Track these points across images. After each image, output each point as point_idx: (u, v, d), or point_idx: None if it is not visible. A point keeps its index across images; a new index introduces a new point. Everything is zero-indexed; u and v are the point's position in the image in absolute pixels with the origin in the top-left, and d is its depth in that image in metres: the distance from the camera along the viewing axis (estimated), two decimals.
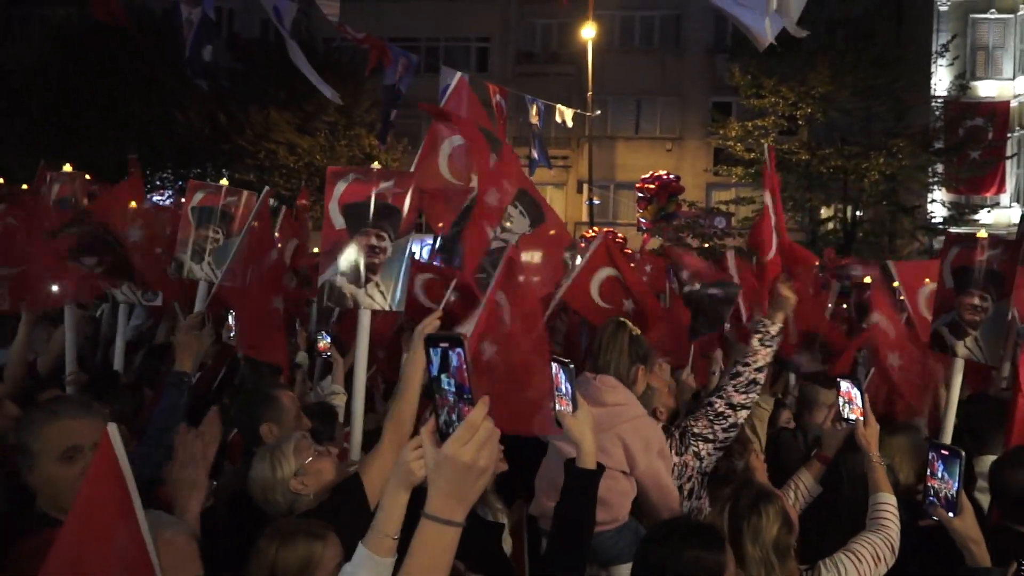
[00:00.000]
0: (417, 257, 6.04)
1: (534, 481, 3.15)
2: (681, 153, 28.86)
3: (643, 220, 23.52)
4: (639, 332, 3.20)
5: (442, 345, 1.35)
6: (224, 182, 4.55)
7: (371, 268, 3.15)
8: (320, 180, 12.51)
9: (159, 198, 21.09)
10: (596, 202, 25.46)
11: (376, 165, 3.36)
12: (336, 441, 3.42)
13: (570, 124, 15.67)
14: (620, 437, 2.94)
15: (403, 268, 3.19)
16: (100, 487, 1.50)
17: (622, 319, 3.24)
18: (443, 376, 1.36)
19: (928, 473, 2.40)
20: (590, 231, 22.82)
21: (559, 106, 14.76)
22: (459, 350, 1.34)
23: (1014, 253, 3.76)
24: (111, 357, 4.67)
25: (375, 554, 2.04)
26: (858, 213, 23.26)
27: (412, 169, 3.64)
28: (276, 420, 3.13)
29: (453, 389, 1.35)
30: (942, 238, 19.17)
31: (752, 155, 22.59)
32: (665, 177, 23.31)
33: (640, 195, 23.74)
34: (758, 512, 2.44)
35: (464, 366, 1.34)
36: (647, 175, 23.83)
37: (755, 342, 3.26)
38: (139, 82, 20.37)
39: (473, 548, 2.26)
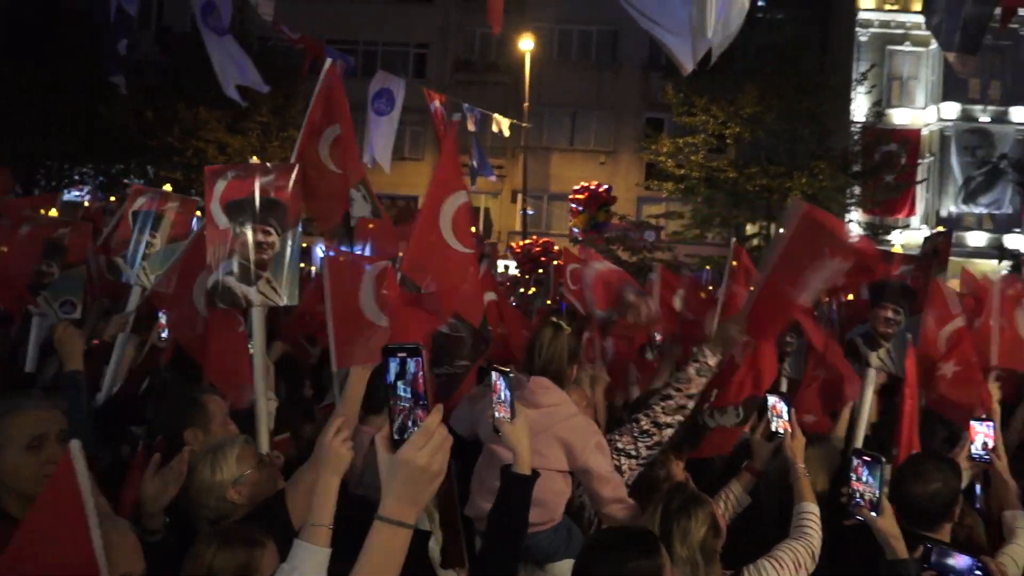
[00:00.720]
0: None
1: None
2: (614, 166, 29.39)
3: (575, 230, 23.83)
4: (569, 330, 3.25)
5: (400, 355, 1.41)
6: (167, 187, 4.45)
7: (260, 264, 3.10)
8: None
9: (77, 194, 20.23)
10: (530, 212, 25.68)
11: (254, 159, 3.34)
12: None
13: (507, 133, 15.78)
14: (558, 437, 2.99)
15: (293, 261, 3.16)
16: (59, 496, 1.63)
17: (558, 321, 3.29)
18: (399, 383, 1.41)
19: (853, 478, 2.53)
20: (523, 240, 23.04)
21: (496, 115, 14.86)
22: (418, 359, 1.40)
23: (926, 270, 3.98)
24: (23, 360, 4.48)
25: (315, 544, 2.05)
26: (781, 230, 24.10)
27: (292, 160, 3.57)
28: (201, 426, 3.04)
29: (410, 395, 1.40)
30: None
31: (682, 171, 23.20)
32: (596, 188, 23.66)
33: (573, 205, 24.06)
34: (688, 514, 2.53)
35: (421, 374, 1.39)
36: (579, 186, 24.17)
37: (691, 370, 3.29)
38: (65, 73, 19.53)
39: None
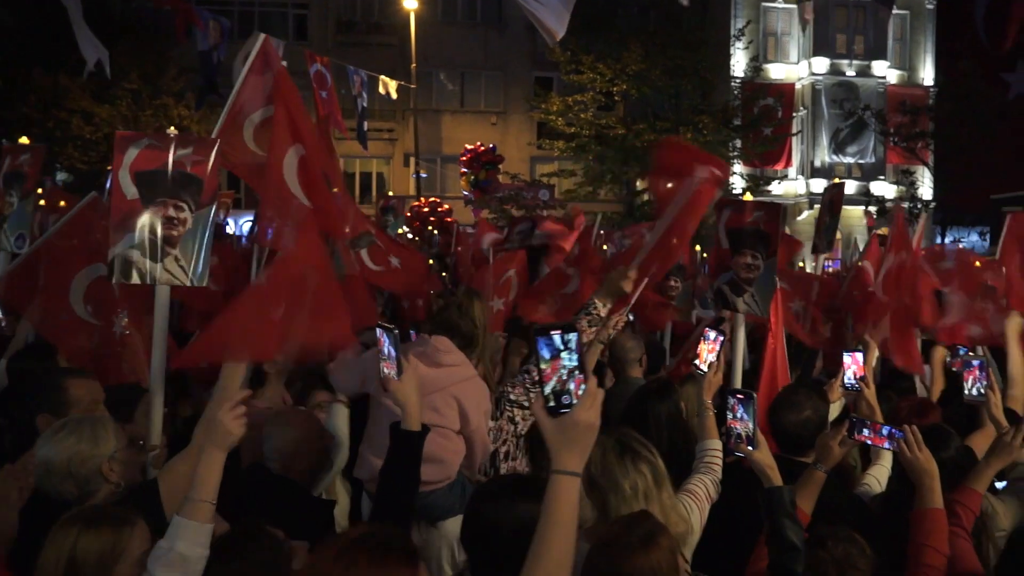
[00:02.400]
0: (238, 233, 5.75)
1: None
2: (506, 127, 29.37)
3: (466, 193, 23.78)
4: (479, 292, 3.32)
5: (557, 332, 1.62)
6: (24, 140, 4.09)
7: (169, 241, 2.95)
8: None
9: None
10: (423, 175, 25.39)
11: (172, 130, 3.16)
12: (135, 424, 3.13)
13: (394, 96, 15.43)
14: (455, 396, 3.03)
15: (205, 240, 3.02)
16: None
17: (478, 290, 3.32)
18: (564, 354, 1.62)
19: (729, 416, 2.67)
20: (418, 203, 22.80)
21: (382, 77, 14.51)
22: (576, 334, 1.63)
23: (775, 215, 4.18)
24: None
25: (194, 520, 2.00)
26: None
27: (214, 135, 3.40)
28: (57, 412, 2.85)
29: (574, 364, 1.61)
30: None
31: (573, 129, 23.45)
32: (478, 148, 23.55)
33: (463, 169, 23.95)
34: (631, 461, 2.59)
35: (581, 346, 1.63)
36: (465, 148, 24.02)
37: (583, 321, 3.41)
38: None
39: (304, 524, 2.27)
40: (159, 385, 2.91)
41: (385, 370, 2.45)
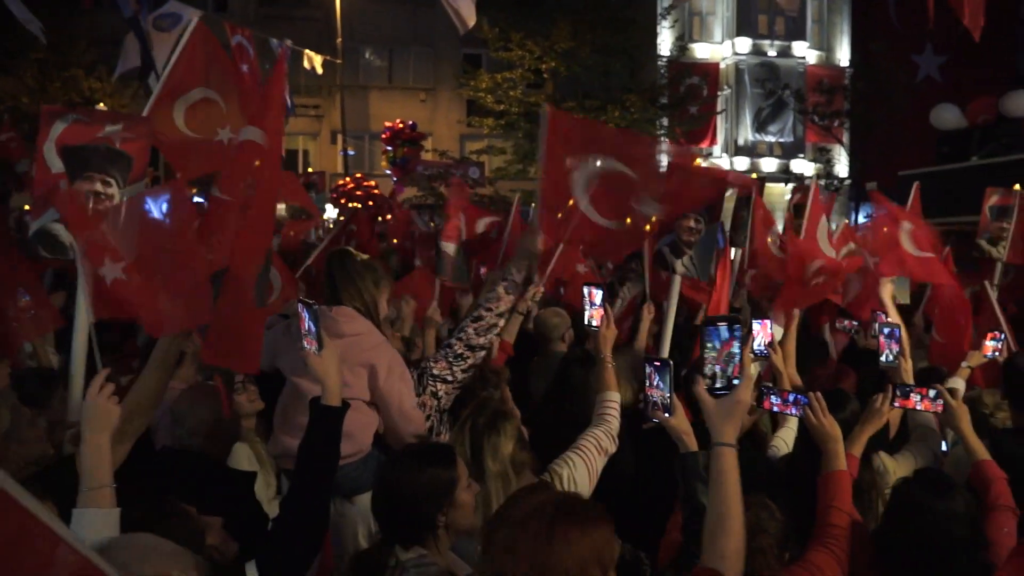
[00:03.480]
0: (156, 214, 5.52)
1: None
2: (435, 103, 29.06)
3: (388, 171, 23.46)
4: (367, 256, 3.20)
5: (722, 324, 1.90)
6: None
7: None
8: (29, 126, 10.94)
9: None
10: (351, 153, 24.96)
11: (101, 106, 3.07)
12: (52, 409, 3.10)
13: (319, 71, 15.04)
14: (362, 365, 2.98)
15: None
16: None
17: (347, 248, 3.24)
18: (736, 343, 1.91)
19: (647, 383, 2.76)
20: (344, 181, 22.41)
21: (307, 52, 14.15)
22: (740, 326, 1.92)
23: (720, 183, 4.48)
24: None
25: (97, 508, 1.96)
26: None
27: (145, 114, 3.32)
28: None
29: (736, 352, 1.89)
30: None
31: (502, 107, 23.37)
32: (397, 125, 23.23)
33: (386, 148, 23.58)
34: (496, 431, 2.64)
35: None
36: (387, 125, 23.61)
37: (500, 289, 3.42)
38: None
39: (221, 497, 2.26)
40: (80, 362, 2.84)
41: (306, 345, 2.44)
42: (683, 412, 2.47)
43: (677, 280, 4.37)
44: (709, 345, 1.90)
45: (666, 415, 2.33)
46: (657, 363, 2.31)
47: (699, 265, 4.34)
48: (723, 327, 1.89)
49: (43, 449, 2.67)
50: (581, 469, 2.78)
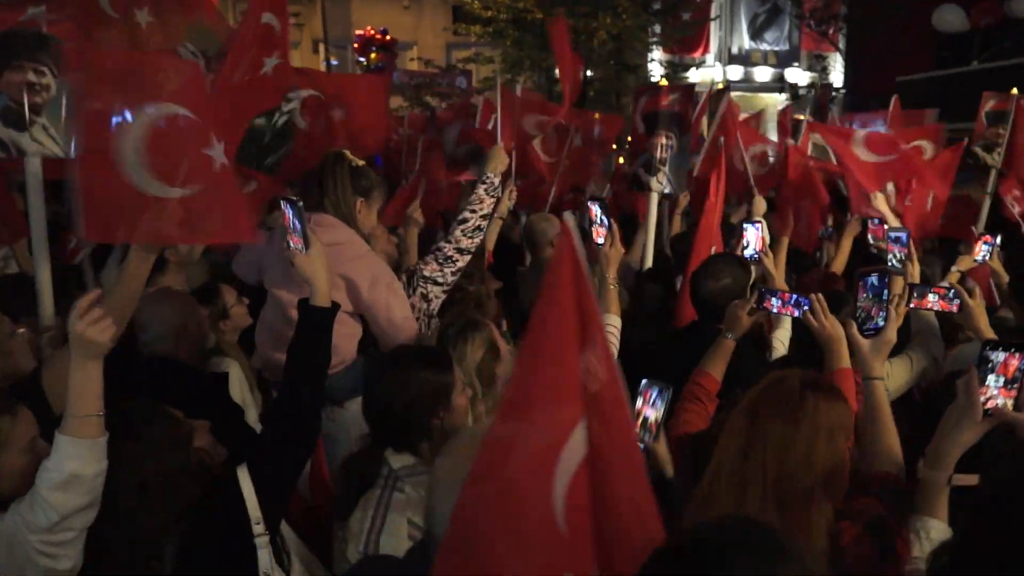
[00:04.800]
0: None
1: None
2: (420, 10, 28.01)
3: None
4: (362, 163, 3.08)
5: (874, 274, 2.22)
6: None
7: (34, 109, 2.72)
8: None
9: None
10: (334, 63, 24.18)
11: None
12: (36, 320, 2.99)
13: None
14: (342, 277, 2.88)
15: (74, 108, 2.73)
16: None
17: (343, 151, 3.11)
18: (885, 291, 2.24)
19: (643, 402, 2.60)
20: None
21: None
22: (889, 275, 2.28)
23: (688, 96, 4.44)
24: None
25: (84, 437, 1.87)
26: (588, 72, 24.47)
27: None
28: None
29: (885, 298, 2.20)
30: None
31: (489, 13, 22.56)
32: (368, 32, 22.31)
33: (360, 59, 22.67)
34: (464, 338, 2.57)
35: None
36: (357, 34, 22.63)
37: (481, 191, 3.42)
38: None
39: (199, 403, 2.19)
40: (44, 264, 2.73)
41: (291, 244, 2.32)
42: (664, 439, 2.33)
43: (654, 197, 4.40)
44: (863, 293, 2.17)
45: (653, 440, 2.21)
46: (659, 386, 2.18)
47: (674, 179, 4.37)
48: (874, 276, 2.19)
49: (27, 362, 2.57)
50: None
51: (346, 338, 2.98)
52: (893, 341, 2.15)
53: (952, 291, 2.94)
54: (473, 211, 3.38)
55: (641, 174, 4.44)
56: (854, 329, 2.16)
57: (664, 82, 4.62)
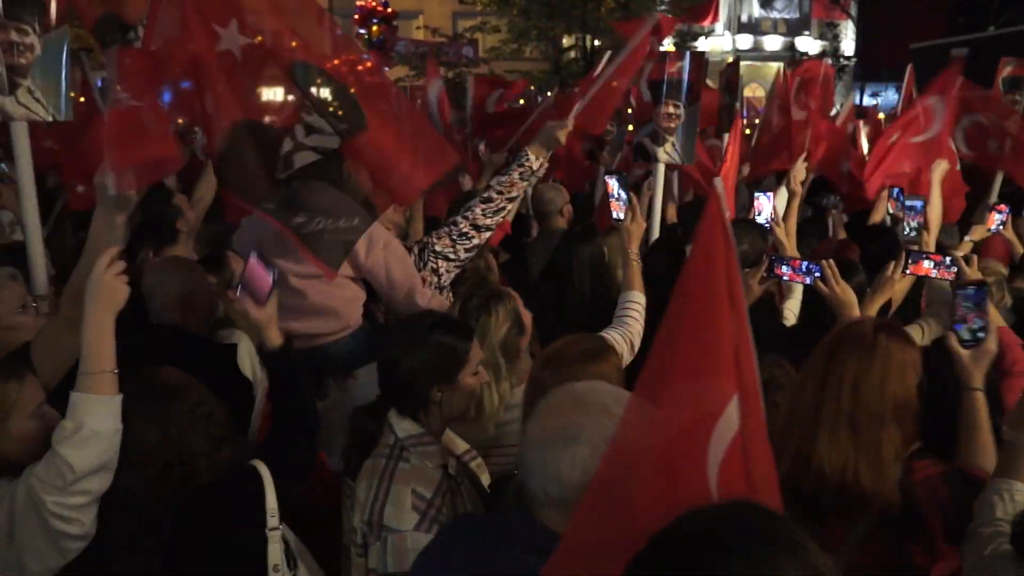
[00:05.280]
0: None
1: None
2: None
3: (364, 56, 21.98)
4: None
5: (973, 287, 2.19)
6: None
7: (17, 70, 2.62)
8: None
9: None
10: (339, 33, 23.86)
11: None
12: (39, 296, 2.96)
13: None
14: None
15: (63, 68, 2.70)
16: None
17: None
18: (985, 303, 2.18)
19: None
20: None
21: None
22: (987, 288, 2.23)
23: (698, 64, 4.28)
24: None
25: (100, 394, 1.87)
26: (596, 42, 24.17)
27: None
28: None
29: (985, 311, 2.16)
30: None
31: None
32: (369, 3, 21.78)
33: (360, 31, 22.16)
34: (488, 311, 2.49)
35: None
36: (358, 4, 22.08)
37: (515, 174, 3.21)
38: None
39: (207, 371, 2.18)
40: (35, 232, 2.70)
41: (249, 292, 2.28)
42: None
43: (661, 168, 4.29)
44: (965, 305, 2.18)
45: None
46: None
47: (682, 150, 4.26)
48: (972, 289, 2.19)
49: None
50: None
51: (350, 303, 2.94)
52: (994, 351, 2.12)
53: (949, 258, 2.89)
54: (500, 192, 3.19)
55: (647, 144, 4.33)
56: (954, 341, 2.13)
57: (671, 48, 4.49)
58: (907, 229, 3.56)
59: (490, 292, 2.58)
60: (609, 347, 2.05)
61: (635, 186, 5.55)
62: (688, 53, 4.34)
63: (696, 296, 1.17)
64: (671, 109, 4.21)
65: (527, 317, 2.62)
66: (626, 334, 2.81)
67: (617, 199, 3.20)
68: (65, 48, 2.71)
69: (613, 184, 3.24)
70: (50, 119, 2.73)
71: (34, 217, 2.70)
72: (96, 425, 1.85)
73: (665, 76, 4.23)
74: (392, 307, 2.97)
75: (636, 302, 2.91)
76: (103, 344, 1.90)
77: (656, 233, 4.35)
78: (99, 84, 4.85)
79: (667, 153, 4.25)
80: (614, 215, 3.22)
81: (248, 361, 2.78)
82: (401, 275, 2.90)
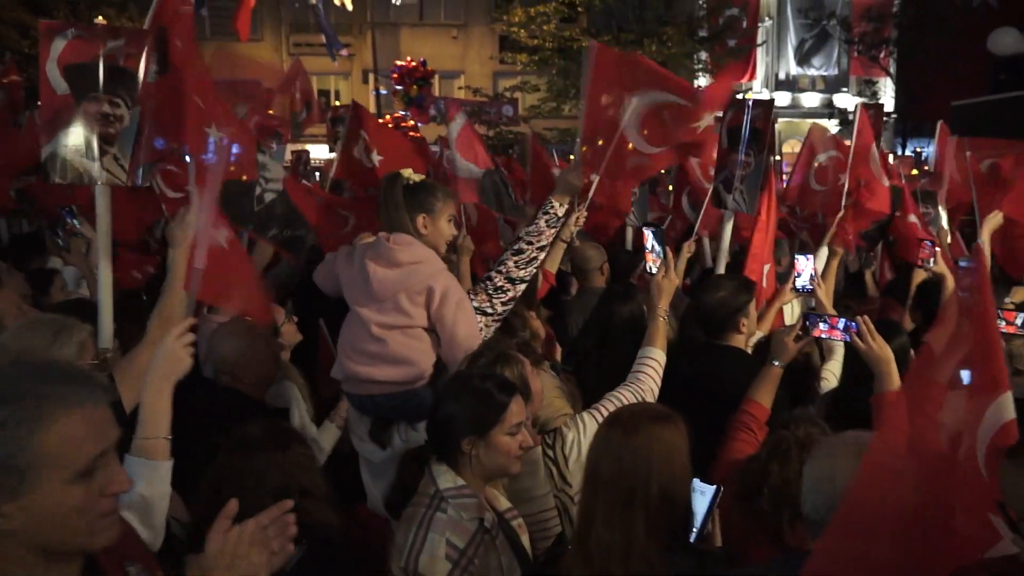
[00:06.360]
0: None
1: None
2: (467, 40, 28.50)
3: (403, 113, 22.62)
4: (420, 178, 2.98)
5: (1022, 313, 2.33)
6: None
7: (106, 139, 2.83)
8: None
9: None
10: (383, 92, 24.67)
11: (101, 20, 2.94)
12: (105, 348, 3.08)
13: (349, 7, 14.88)
14: (420, 293, 2.84)
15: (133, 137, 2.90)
16: None
17: (398, 172, 3.07)
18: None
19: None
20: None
21: None
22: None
23: (768, 112, 4.24)
24: None
25: (151, 459, 1.90)
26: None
27: (146, 27, 3.13)
28: None
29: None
30: None
31: (536, 42, 22.84)
32: (408, 64, 22.44)
33: (397, 87, 22.76)
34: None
35: None
36: (395, 64, 22.73)
37: (542, 222, 3.23)
38: None
39: None
40: (107, 288, 2.83)
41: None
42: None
43: (730, 216, 4.20)
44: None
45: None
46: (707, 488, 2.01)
47: (748, 199, 4.16)
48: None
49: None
50: (591, 434, 2.46)
51: (421, 353, 2.88)
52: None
53: (845, 323, 2.68)
54: (530, 242, 3.20)
55: (721, 191, 4.25)
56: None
57: (750, 95, 4.48)
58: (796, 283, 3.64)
59: (498, 353, 2.58)
60: (675, 414, 2.09)
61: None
62: (753, 100, 4.28)
63: (968, 306, 1.71)
64: (743, 156, 4.15)
65: (535, 384, 2.59)
66: (637, 391, 2.79)
67: (651, 251, 3.18)
68: (137, 120, 2.90)
69: (649, 236, 3.22)
70: (129, 183, 2.91)
71: (108, 274, 2.83)
72: (147, 491, 1.88)
73: (741, 123, 4.17)
74: (449, 364, 2.97)
75: (654, 359, 2.88)
76: (161, 411, 1.94)
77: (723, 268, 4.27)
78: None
79: (735, 201, 4.19)
80: (647, 267, 3.21)
81: (297, 416, 2.83)
82: (464, 336, 2.87)
